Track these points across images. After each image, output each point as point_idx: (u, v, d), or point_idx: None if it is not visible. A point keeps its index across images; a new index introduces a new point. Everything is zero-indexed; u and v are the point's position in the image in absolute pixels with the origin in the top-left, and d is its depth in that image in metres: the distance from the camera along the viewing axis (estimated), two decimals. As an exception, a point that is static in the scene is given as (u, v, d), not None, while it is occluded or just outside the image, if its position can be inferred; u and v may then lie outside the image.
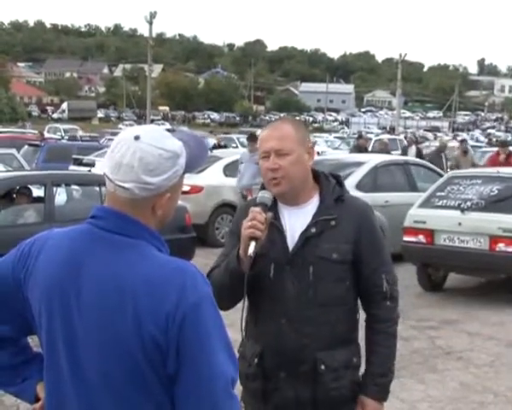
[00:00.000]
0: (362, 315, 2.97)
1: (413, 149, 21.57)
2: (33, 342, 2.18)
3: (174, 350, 1.82)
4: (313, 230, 2.83)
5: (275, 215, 2.85)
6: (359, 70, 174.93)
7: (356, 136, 42.43)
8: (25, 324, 2.04)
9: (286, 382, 2.85)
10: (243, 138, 33.07)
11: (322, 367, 2.82)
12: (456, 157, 19.22)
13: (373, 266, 2.87)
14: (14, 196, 9.30)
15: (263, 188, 2.91)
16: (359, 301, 2.98)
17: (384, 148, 21.13)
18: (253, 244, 2.66)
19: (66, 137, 36.17)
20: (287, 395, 2.85)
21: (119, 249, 1.90)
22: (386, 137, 35.07)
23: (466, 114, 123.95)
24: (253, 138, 13.36)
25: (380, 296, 2.89)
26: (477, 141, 46.46)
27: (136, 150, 1.89)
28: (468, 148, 20.67)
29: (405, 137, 31.62)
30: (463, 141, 21.90)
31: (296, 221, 2.86)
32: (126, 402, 1.87)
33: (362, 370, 2.96)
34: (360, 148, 20.48)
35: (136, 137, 1.90)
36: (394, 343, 2.94)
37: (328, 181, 2.93)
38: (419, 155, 20.42)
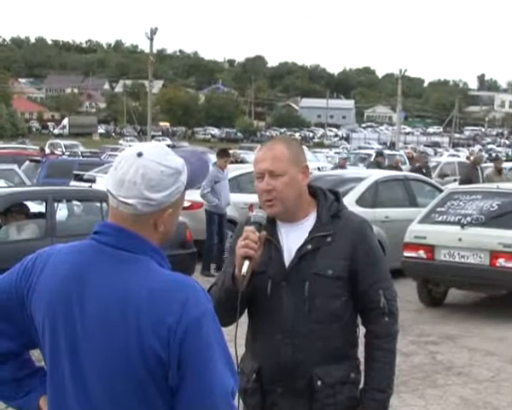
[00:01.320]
0: (362, 330, 2.98)
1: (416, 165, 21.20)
2: (34, 356, 2.20)
3: (175, 364, 1.84)
4: (309, 246, 2.85)
5: (272, 232, 2.87)
6: (359, 85, 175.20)
7: (357, 151, 42.49)
8: (28, 338, 2.05)
9: (283, 397, 2.86)
10: (244, 154, 33.12)
11: (319, 383, 2.83)
12: (490, 176, 17.81)
13: (369, 282, 2.87)
14: (11, 213, 9.28)
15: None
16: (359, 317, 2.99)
17: (396, 165, 21.28)
18: (246, 263, 2.68)
19: (67, 153, 36.22)
20: None
21: (122, 264, 1.92)
22: (387, 152, 35.20)
23: (473, 129, 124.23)
24: (225, 154, 12.94)
25: (377, 312, 2.89)
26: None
27: (139, 167, 1.91)
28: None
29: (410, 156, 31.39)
30: (497, 159, 20.31)
31: (293, 238, 2.88)
32: None
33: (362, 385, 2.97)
34: (379, 164, 20.76)
35: (139, 154, 1.93)
36: (393, 359, 2.94)
37: (325, 197, 2.94)
38: (422, 170, 20.13)
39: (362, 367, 2.97)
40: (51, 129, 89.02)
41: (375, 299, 2.88)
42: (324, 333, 2.83)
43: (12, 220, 9.05)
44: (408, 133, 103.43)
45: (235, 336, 2.68)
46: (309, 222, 2.90)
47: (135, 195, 1.91)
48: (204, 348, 1.85)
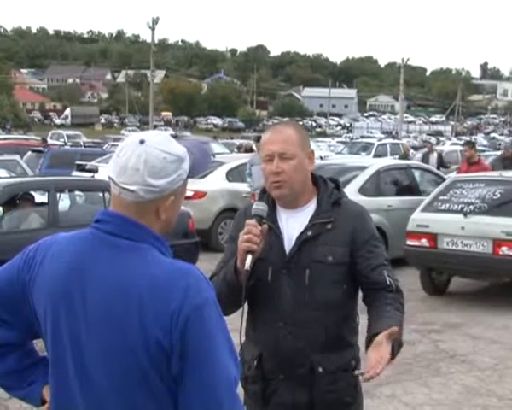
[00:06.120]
0: (362, 319, 2.97)
1: (434, 156, 19.53)
2: (38, 345, 2.20)
3: (178, 352, 1.83)
4: (309, 233, 2.84)
5: (272, 219, 2.87)
6: (362, 75, 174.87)
7: (359, 140, 42.38)
8: (31, 328, 2.05)
9: (284, 384, 2.87)
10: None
11: (320, 370, 2.83)
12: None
13: (372, 266, 2.84)
14: (18, 201, 9.31)
15: (263, 192, 2.93)
16: (358, 305, 2.97)
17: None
18: (249, 258, 2.68)
19: (69, 143, 36.18)
20: (285, 398, 2.87)
21: (123, 253, 1.91)
22: (389, 141, 35.16)
23: (494, 118, 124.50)
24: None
25: (385, 290, 2.80)
26: (480, 145, 46.29)
27: (142, 153, 1.91)
28: None
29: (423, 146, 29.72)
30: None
31: (294, 224, 2.88)
32: (132, 404, 1.88)
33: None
34: (505, 160, 16.68)
35: (142, 141, 1.93)
36: (402, 314, 2.77)
37: (326, 185, 2.95)
38: (440, 161, 19.00)
39: (361, 356, 2.95)
40: (53, 119, 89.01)
41: (380, 280, 2.83)
42: (325, 320, 2.82)
43: (20, 209, 9.08)
44: (410, 122, 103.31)
45: (241, 326, 2.68)
46: (309, 209, 2.90)
47: (137, 181, 1.90)
48: (206, 336, 1.85)
